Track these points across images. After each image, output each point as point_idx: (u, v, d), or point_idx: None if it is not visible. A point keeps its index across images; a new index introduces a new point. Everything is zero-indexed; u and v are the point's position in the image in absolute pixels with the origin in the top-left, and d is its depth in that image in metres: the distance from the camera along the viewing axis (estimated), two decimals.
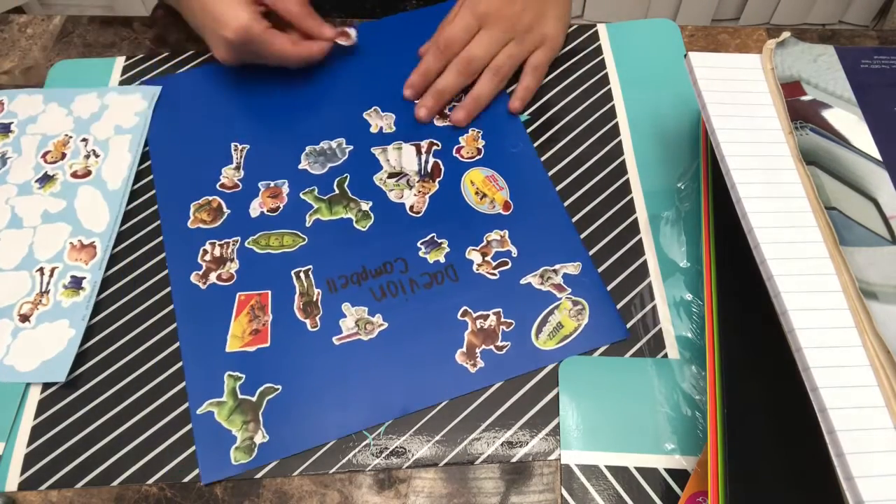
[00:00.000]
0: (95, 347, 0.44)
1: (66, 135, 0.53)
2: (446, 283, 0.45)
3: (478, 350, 0.43)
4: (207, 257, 0.47)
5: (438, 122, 0.53)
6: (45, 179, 0.51)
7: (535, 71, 0.54)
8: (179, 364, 0.43)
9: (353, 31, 0.55)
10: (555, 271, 0.46)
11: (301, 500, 0.39)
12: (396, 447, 0.40)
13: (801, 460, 0.34)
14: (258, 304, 0.45)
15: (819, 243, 0.35)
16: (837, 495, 0.29)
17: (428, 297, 0.45)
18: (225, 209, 0.49)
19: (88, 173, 0.51)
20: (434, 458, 0.40)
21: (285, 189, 0.50)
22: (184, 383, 0.42)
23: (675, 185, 0.49)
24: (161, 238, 0.48)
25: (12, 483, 0.39)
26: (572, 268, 0.46)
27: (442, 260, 0.46)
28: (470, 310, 0.44)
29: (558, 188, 0.50)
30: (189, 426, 0.41)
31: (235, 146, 0.52)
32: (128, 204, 0.50)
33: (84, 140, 0.53)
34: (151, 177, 0.51)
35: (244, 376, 0.42)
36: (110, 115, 0.54)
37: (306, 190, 0.50)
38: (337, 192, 0.50)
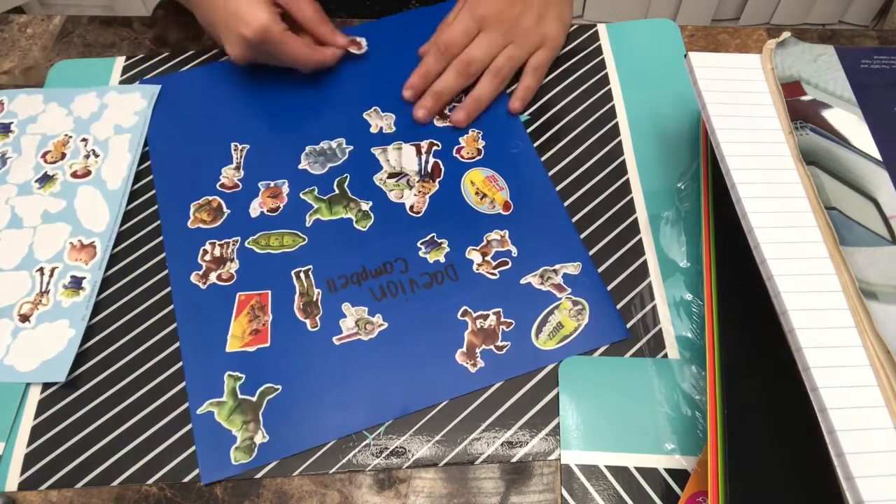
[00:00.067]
0: (95, 347, 0.44)
1: (66, 135, 0.53)
2: (446, 282, 0.45)
3: (478, 350, 0.43)
4: (207, 257, 0.47)
5: (438, 123, 0.53)
6: (45, 179, 0.51)
7: (536, 71, 0.54)
8: (179, 364, 0.43)
9: (363, 41, 0.56)
10: (555, 271, 0.46)
11: (301, 500, 0.39)
12: (396, 447, 0.40)
13: (801, 460, 0.34)
14: (258, 304, 0.45)
15: (819, 243, 0.35)
16: (837, 495, 0.29)
17: (428, 297, 0.45)
18: (225, 209, 0.49)
19: (88, 173, 0.51)
20: (434, 458, 0.40)
21: (285, 189, 0.50)
22: (184, 383, 0.42)
23: (675, 185, 0.49)
24: (161, 238, 0.48)
25: (12, 483, 0.39)
26: (572, 268, 0.46)
27: (442, 260, 0.46)
28: (470, 310, 0.44)
29: (558, 188, 0.50)
30: (189, 426, 0.41)
31: (235, 146, 0.52)
32: (128, 204, 0.50)
33: (84, 140, 0.53)
34: (151, 177, 0.51)
35: (244, 376, 0.42)
36: (110, 114, 0.54)
37: (306, 190, 0.50)
38: (337, 192, 0.50)
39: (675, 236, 0.47)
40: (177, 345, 0.44)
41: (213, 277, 0.46)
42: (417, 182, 0.50)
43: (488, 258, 0.46)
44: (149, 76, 0.57)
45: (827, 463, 0.30)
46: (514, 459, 0.39)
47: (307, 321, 0.44)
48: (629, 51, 0.57)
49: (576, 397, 0.41)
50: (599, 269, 0.46)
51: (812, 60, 0.42)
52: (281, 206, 0.49)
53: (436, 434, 0.40)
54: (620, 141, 0.52)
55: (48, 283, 0.46)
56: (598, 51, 0.57)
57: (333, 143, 0.52)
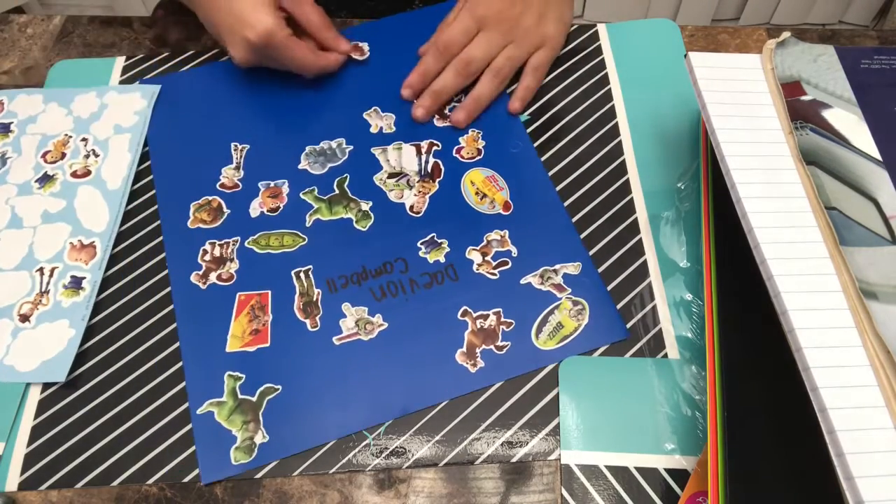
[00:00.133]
0: (95, 347, 0.44)
1: (66, 134, 0.53)
2: (446, 282, 0.45)
3: (478, 350, 0.43)
4: (207, 257, 0.47)
5: (438, 123, 0.53)
6: (45, 179, 0.51)
7: (536, 71, 0.54)
8: (179, 364, 0.43)
9: (366, 46, 0.56)
10: (555, 271, 0.46)
11: (301, 500, 0.39)
12: (396, 447, 0.40)
13: (801, 460, 0.34)
14: (258, 304, 0.45)
15: (819, 243, 0.35)
16: (837, 495, 0.29)
17: (428, 297, 0.45)
18: (225, 209, 0.49)
19: (88, 173, 0.51)
20: (434, 458, 0.40)
21: (285, 189, 0.50)
22: (184, 383, 0.42)
23: (675, 185, 0.49)
24: (161, 238, 0.48)
25: (12, 483, 0.39)
26: (572, 268, 0.46)
27: (442, 260, 0.46)
28: (470, 310, 0.44)
29: (558, 188, 0.50)
30: (189, 426, 0.41)
31: (235, 146, 0.52)
32: (128, 204, 0.50)
33: (84, 140, 0.53)
34: (151, 177, 0.51)
35: (244, 376, 0.42)
36: (110, 114, 0.54)
37: (306, 190, 0.50)
38: (337, 192, 0.50)
39: (675, 236, 0.47)
40: (177, 345, 0.44)
41: (213, 277, 0.46)
42: (417, 182, 0.50)
43: (488, 258, 0.46)
44: (149, 76, 0.57)
45: (827, 463, 0.30)
46: (514, 459, 0.39)
47: (307, 321, 0.44)
48: (629, 51, 0.57)
49: (576, 397, 0.41)
50: (599, 269, 0.46)
51: (812, 60, 0.42)
52: (281, 206, 0.49)
53: (436, 434, 0.40)
54: (620, 141, 0.52)
55: (48, 283, 0.46)
56: (598, 51, 0.57)
57: (333, 143, 0.52)
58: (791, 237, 0.35)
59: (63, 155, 0.52)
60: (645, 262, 0.46)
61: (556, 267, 0.46)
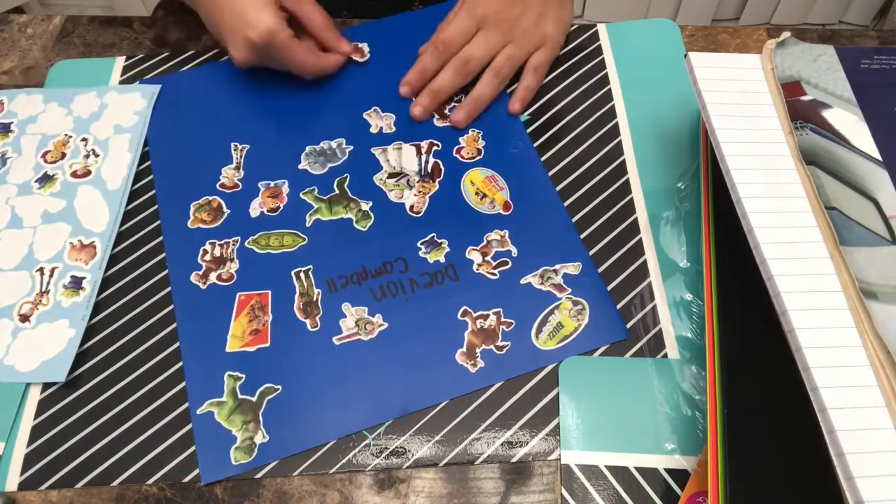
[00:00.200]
0: (95, 347, 0.44)
1: (66, 134, 0.53)
2: (446, 282, 0.45)
3: (478, 350, 0.43)
4: (207, 257, 0.47)
5: (438, 123, 0.53)
6: (45, 179, 0.51)
7: (536, 71, 0.54)
8: (179, 364, 0.43)
9: (366, 47, 0.57)
10: (555, 271, 0.46)
11: (301, 500, 0.39)
12: (396, 447, 0.40)
13: (801, 460, 0.34)
14: (258, 304, 0.45)
15: (819, 243, 0.35)
16: (837, 495, 0.29)
17: (428, 297, 0.45)
18: (225, 209, 0.49)
19: (88, 173, 0.51)
20: (434, 458, 0.40)
21: (285, 189, 0.50)
22: (184, 383, 0.42)
23: (675, 185, 0.49)
24: (161, 238, 0.48)
25: (12, 483, 0.39)
26: (572, 268, 0.46)
27: (442, 260, 0.46)
28: (470, 310, 0.44)
29: (558, 188, 0.50)
30: (189, 426, 0.41)
31: (235, 146, 0.52)
32: (128, 204, 0.50)
33: (84, 140, 0.53)
34: (151, 177, 0.51)
35: (244, 376, 0.42)
36: (110, 114, 0.54)
37: (306, 190, 0.50)
38: (337, 192, 0.50)
39: (675, 236, 0.47)
40: (177, 345, 0.44)
41: (213, 277, 0.46)
42: (417, 182, 0.50)
43: (488, 258, 0.46)
44: (149, 76, 0.57)
45: (827, 463, 0.30)
46: (514, 459, 0.39)
47: (307, 321, 0.44)
48: (629, 51, 0.57)
49: (576, 397, 0.41)
50: (599, 269, 0.46)
51: (812, 60, 0.42)
52: (281, 206, 0.49)
53: (436, 434, 0.40)
54: (620, 141, 0.52)
55: (48, 283, 0.46)
56: (598, 51, 0.57)
57: (333, 143, 0.52)
58: (791, 237, 0.35)
59: (63, 155, 0.52)
60: (645, 262, 0.46)
61: (556, 267, 0.46)
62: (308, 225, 0.48)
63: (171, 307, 0.45)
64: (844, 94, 0.41)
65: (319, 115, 0.54)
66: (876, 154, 0.38)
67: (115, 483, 0.39)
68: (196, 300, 0.45)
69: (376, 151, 0.52)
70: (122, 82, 0.56)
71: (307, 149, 0.52)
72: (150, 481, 0.39)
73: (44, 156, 0.52)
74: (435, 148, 0.52)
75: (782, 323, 0.33)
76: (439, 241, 0.47)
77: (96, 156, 0.52)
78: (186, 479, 0.39)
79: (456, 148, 0.52)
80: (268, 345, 0.43)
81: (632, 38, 0.58)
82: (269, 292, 0.45)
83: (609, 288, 0.45)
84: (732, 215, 0.37)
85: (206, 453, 0.40)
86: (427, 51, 0.54)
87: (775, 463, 0.34)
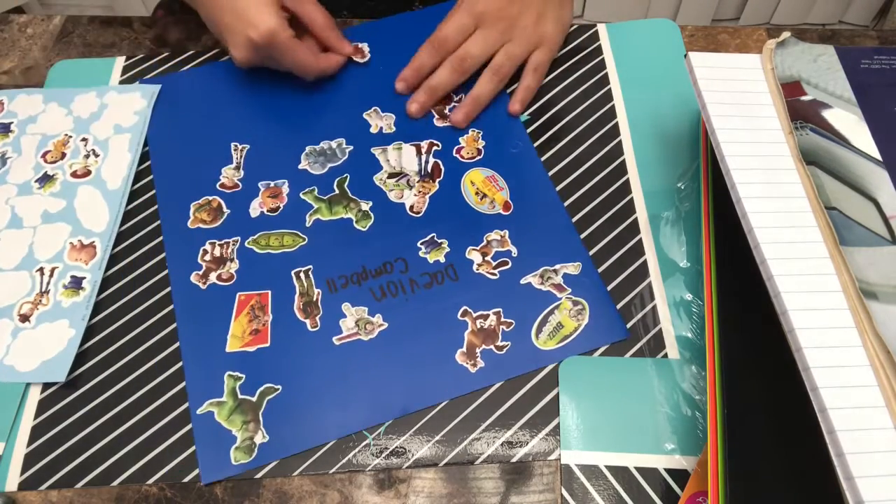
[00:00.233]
0: (95, 347, 0.44)
1: (66, 134, 0.53)
2: (446, 282, 0.45)
3: (478, 350, 0.43)
4: (207, 257, 0.47)
5: (439, 123, 0.53)
6: (45, 179, 0.51)
7: (536, 72, 0.54)
8: (179, 364, 0.43)
9: (366, 47, 0.57)
10: (555, 271, 0.46)
11: (301, 500, 0.39)
12: (396, 447, 0.40)
13: (801, 460, 0.34)
14: (258, 304, 0.45)
15: (819, 243, 0.35)
16: (837, 495, 0.29)
17: (428, 297, 0.45)
18: (225, 209, 0.49)
19: (88, 173, 0.51)
20: (434, 458, 0.40)
21: (285, 189, 0.50)
22: (184, 383, 0.42)
23: (675, 185, 0.49)
24: (161, 238, 0.48)
25: (12, 483, 0.39)
26: (572, 268, 0.46)
27: (442, 260, 0.46)
28: (470, 310, 0.44)
29: (558, 188, 0.50)
30: (189, 426, 0.41)
31: (235, 146, 0.52)
32: (128, 204, 0.50)
33: (84, 140, 0.53)
34: (151, 177, 0.51)
35: (244, 376, 0.42)
36: (110, 114, 0.54)
37: (306, 190, 0.50)
38: (337, 192, 0.50)
39: (675, 236, 0.47)
40: (177, 345, 0.44)
41: (213, 277, 0.46)
42: (417, 182, 0.50)
43: (488, 258, 0.46)
44: (149, 76, 0.57)
45: (827, 463, 0.30)
46: (514, 459, 0.39)
47: (307, 321, 0.44)
48: (629, 51, 0.57)
49: (576, 397, 0.41)
50: (599, 269, 0.46)
51: (812, 60, 0.42)
52: (281, 206, 0.49)
53: (436, 434, 0.40)
54: (620, 141, 0.52)
55: (48, 283, 0.46)
56: (598, 51, 0.57)
57: (333, 143, 0.52)
58: (791, 237, 0.35)
59: (63, 155, 0.52)
60: (645, 262, 0.46)
61: (556, 267, 0.46)
62: (308, 225, 0.48)
63: (171, 307, 0.45)
64: (844, 94, 0.41)
65: (319, 115, 0.54)
66: (876, 154, 0.38)
67: (115, 483, 0.39)
68: (196, 300, 0.45)
69: (376, 151, 0.52)
70: (122, 82, 0.56)
71: (307, 149, 0.52)
72: (150, 481, 0.39)
73: (44, 156, 0.52)
74: (435, 148, 0.52)
75: (782, 323, 0.33)
76: (439, 241, 0.47)
77: (96, 156, 0.52)
78: (186, 479, 0.39)
79: (456, 148, 0.52)
80: (268, 345, 0.43)
81: (632, 38, 0.58)
82: (269, 292, 0.45)
83: (609, 288, 0.45)
84: (732, 215, 0.37)
85: (206, 453, 0.40)
86: (423, 47, 0.54)
87: (775, 463, 0.34)
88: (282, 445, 0.40)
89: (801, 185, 0.37)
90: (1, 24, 0.61)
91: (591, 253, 0.46)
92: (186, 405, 0.42)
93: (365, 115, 0.54)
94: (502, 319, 0.44)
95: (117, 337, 0.44)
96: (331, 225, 0.48)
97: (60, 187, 0.50)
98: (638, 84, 0.55)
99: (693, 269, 0.45)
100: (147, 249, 0.48)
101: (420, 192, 0.50)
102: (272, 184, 0.50)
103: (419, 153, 0.52)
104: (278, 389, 0.42)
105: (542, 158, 0.51)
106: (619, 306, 0.44)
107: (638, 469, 0.39)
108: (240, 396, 0.42)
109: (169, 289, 0.46)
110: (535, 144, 0.52)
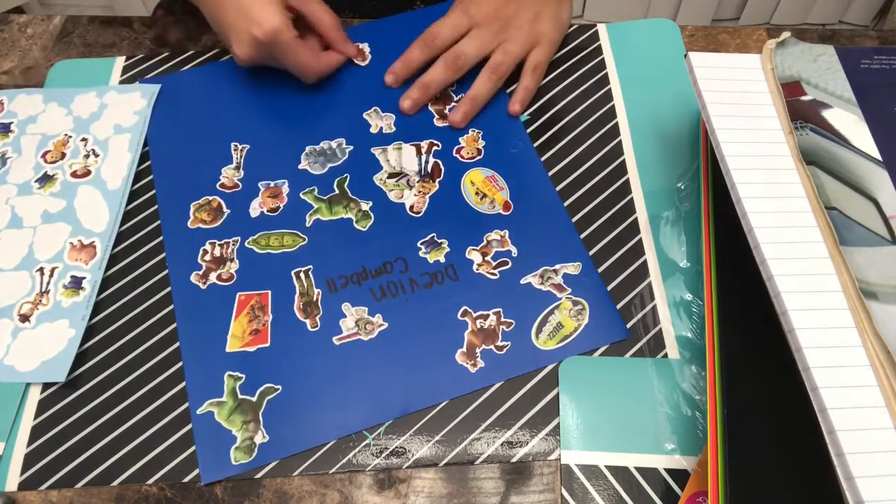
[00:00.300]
0: (95, 347, 0.44)
1: (66, 134, 0.53)
2: (446, 282, 0.45)
3: (478, 350, 0.43)
4: (207, 257, 0.47)
5: (438, 123, 0.53)
6: (45, 179, 0.51)
7: (535, 72, 0.54)
8: (179, 364, 0.43)
9: (366, 48, 0.57)
10: (555, 271, 0.46)
11: (301, 500, 0.39)
12: (396, 447, 0.40)
13: (801, 460, 0.34)
14: (258, 304, 0.45)
15: (819, 243, 0.35)
16: (837, 495, 0.29)
17: (428, 297, 0.45)
18: (225, 209, 0.49)
19: (88, 173, 0.51)
20: (434, 458, 0.40)
21: (285, 189, 0.50)
22: (184, 383, 0.42)
23: (675, 185, 0.49)
24: (161, 238, 0.48)
25: (12, 483, 0.39)
26: (572, 268, 0.46)
27: (442, 260, 0.46)
28: (470, 310, 0.44)
29: (558, 188, 0.50)
30: (189, 426, 0.41)
31: (235, 146, 0.52)
32: (128, 204, 0.50)
33: (84, 140, 0.53)
34: (151, 177, 0.51)
35: (244, 376, 0.42)
36: (110, 114, 0.54)
37: (306, 190, 0.50)
38: (337, 192, 0.50)
39: (675, 236, 0.47)
40: (177, 345, 0.44)
41: (213, 277, 0.46)
42: (417, 182, 0.50)
43: (488, 258, 0.46)
44: (149, 76, 0.57)
45: (827, 463, 0.30)
46: (514, 459, 0.39)
47: (307, 321, 0.44)
48: (629, 51, 0.57)
49: (576, 397, 0.41)
50: (599, 269, 0.46)
51: (812, 60, 0.42)
52: (281, 206, 0.49)
53: (436, 434, 0.40)
54: (620, 141, 0.52)
55: (48, 283, 0.46)
56: (598, 51, 0.57)
57: (333, 143, 0.52)
58: (791, 237, 0.35)
59: (63, 155, 0.52)
60: (645, 262, 0.46)
61: (556, 267, 0.46)
62: (308, 225, 0.48)
63: (171, 307, 0.45)
64: (844, 94, 0.41)
65: (319, 115, 0.54)
66: (876, 154, 0.38)
67: (115, 483, 0.39)
68: (196, 300, 0.45)
69: (376, 151, 0.52)
70: (122, 82, 0.56)
71: (307, 149, 0.52)
72: (150, 481, 0.39)
73: (44, 156, 0.52)
74: (435, 148, 0.52)
75: (782, 323, 0.33)
76: (439, 241, 0.47)
77: (96, 156, 0.52)
78: (186, 479, 0.39)
79: (456, 148, 0.52)
80: (268, 345, 0.43)
81: (632, 38, 0.58)
82: (269, 292, 0.45)
83: (609, 288, 0.45)
84: (732, 215, 0.37)
85: (206, 453, 0.40)
86: (415, 43, 0.54)
87: (775, 463, 0.34)
88: (282, 445, 0.40)
89: (801, 185, 0.37)
90: (1, 24, 0.61)
91: (591, 253, 0.46)
92: (186, 405, 0.42)
93: (365, 115, 0.54)
94: (502, 319, 0.44)
95: (117, 337, 0.44)
96: (331, 225, 0.48)
97: (60, 187, 0.50)
98: (638, 84, 0.55)
99: (693, 269, 0.45)
100: (147, 249, 0.48)
101: (420, 192, 0.50)
102: (272, 184, 0.50)
103: (419, 153, 0.52)
104: (278, 389, 0.42)
105: (542, 158, 0.51)
106: (619, 306, 0.44)
107: (638, 469, 0.39)
108: (240, 396, 0.42)
109: (169, 289, 0.46)
110: (535, 144, 0.52)
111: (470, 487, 0.39)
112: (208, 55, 0.58)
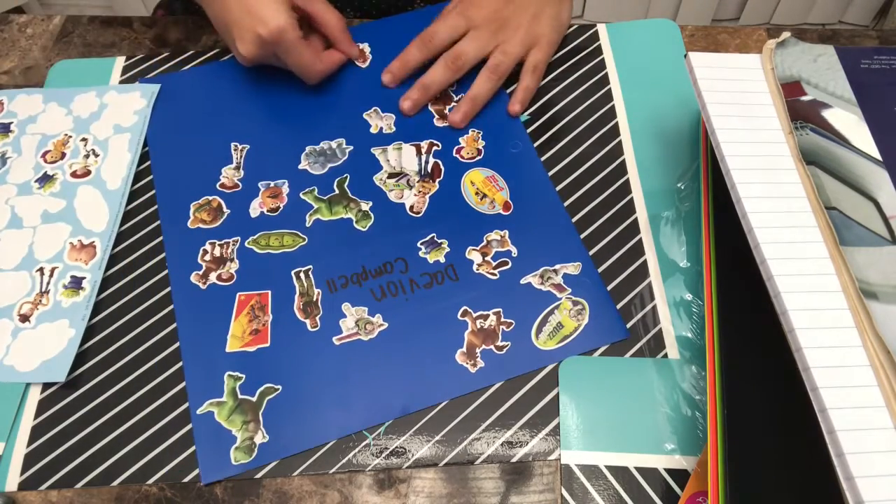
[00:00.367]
0: (95, 347, 0.44)
1: (66, 134, 0.53)
2: (446, 282, 0.45)
3: (478, 350, 0.43)
4: (207, 257, 0.47)
5: (438, 123, 0.53)
6: (45, 179, 0.51)
7: (534, 72, 0.54)
8: (179, 364, 0.43)
9: (367, 48, 0.57)
10: (555, 271, 0.46)
11: (301, 500, 0.39)
12: (396, 447, 0.40)
13: (801, 460, 0.34)
14: (258, 304, 0.45)
15: (819, 243, 0.35)
16: (837, 495, 0.29)
17: (428, 297, 0.45)
18: (225, 209, 0.49)
19: (88, 173, 0.51)
20: (434, 458, 0.40)
21: (285, 189, 0.50)
22: (184, 383, 0.42)
23: (675, 185, 0.49)
24: (161, 238, 0.48)
25: (12, 483, 0.39)
26: (572, 268, 0.46)
27: (442, 260, 0.46)
28: (470, 310, 0.44)
29: (558, 188, 0.50)
30: (189, 426, 0.41)
31: (235, 146, 0.52)
32: (128, 204, 0.50)
33: (84, 139, 0.53)
34: (151, 177, 0.51)
35: (244, 376, 0.42)
36: (109, 113, 0.54)
37: (306, 190, 0.50)
38: (337, 192, 0.50)
39: (675, 236, 0.47)
40: (177, 345, 0.44)
41: (213, 277, 0.46)
42: (417, 182, 0.50)
43: (488, 258, 0.46)
44: (149, 76, 0.57)
45: (827, 463, 0.30)
46: (514, 459, 0.39)
47: (307, 321, 0.44)
48: (629, 51, 0.57)
49: (576, 397, 0.41)
50: (599, 269, 0.46)
51: (812, 60, 0.42)
52: (281, 206, 0.49)
53: (436, 434, 0.40)
54: (620, 141, 0.52)
55: (48, 283, 0.46)
56: (598, 51, 0.57)
57: (333, 144, 0.52)
58: (791, 237, 0.35)
59: (63, 155, 0.52)
60: (645, 262, 0.46)
61: (556, 267, 0.46)
62: (308, 225, 0.48)
63: (171, 307, 0.45)
64: (844, 94, 0.41)
65: (319, 115, 0.54)
66: (876, 154, 0.38)
67: (115, 483, 0.39)
68: (196, 300, 0.45)
69: (376, 151, 0.52)
70: (122, 82, 0.56)
71: (307, 149, 0.52)
72: (150, 481, 0.39)
73: (44, 156, 0.52)
74: (435, 148, 0.52)
75: (782, 323, 0.33)
76: (439, 241, 0.47)
77: (96, 156, 0.52)
78: (186, 479, 0.39)
79: (456, 148, 0.52)
80: (268, 345, 0.43)
81: (632, 38, 0.58)
82: (269, 292, 0.45)
83: (609, 288, 0.45)
84: (732, 215, 0.37)
85: (206, 453, 0.40)
86: (413, 42, 0.54)
87: (775, 463, 0.34)
88: (282, 445, 0.40)
89: (801, 185, 0.37)
90: (1, 24, 0.61)
91: (591, 253, 0.46)
92: (186, 405, 0.42)
93: (365, 116, 0.54)
94: (502, 319, 0.44)
95: (117, 337, 0.44)
96: (331, 225, 0.48)
97: (60, 187, 0.50)
98: (638, 84, 0.55)
99: (693, 269, 0.45)
100: (147, 249, 0.48)
101: (420, 192, 0.50)
102: (272, 184, 0.50)
103: (419, 153, 0.52)
104: (278, 389, 0.42)
105: (542, 158, 0.51)
106: (619, 306, 0.44)
107: (638, 469, 0.39)
108: (240, 396, 0.42)
109: (169, 289, 0.46)
110: (535, 144, 0.52)
111: (470, 487, 0.39)
112: (208, 55, 0.58)
